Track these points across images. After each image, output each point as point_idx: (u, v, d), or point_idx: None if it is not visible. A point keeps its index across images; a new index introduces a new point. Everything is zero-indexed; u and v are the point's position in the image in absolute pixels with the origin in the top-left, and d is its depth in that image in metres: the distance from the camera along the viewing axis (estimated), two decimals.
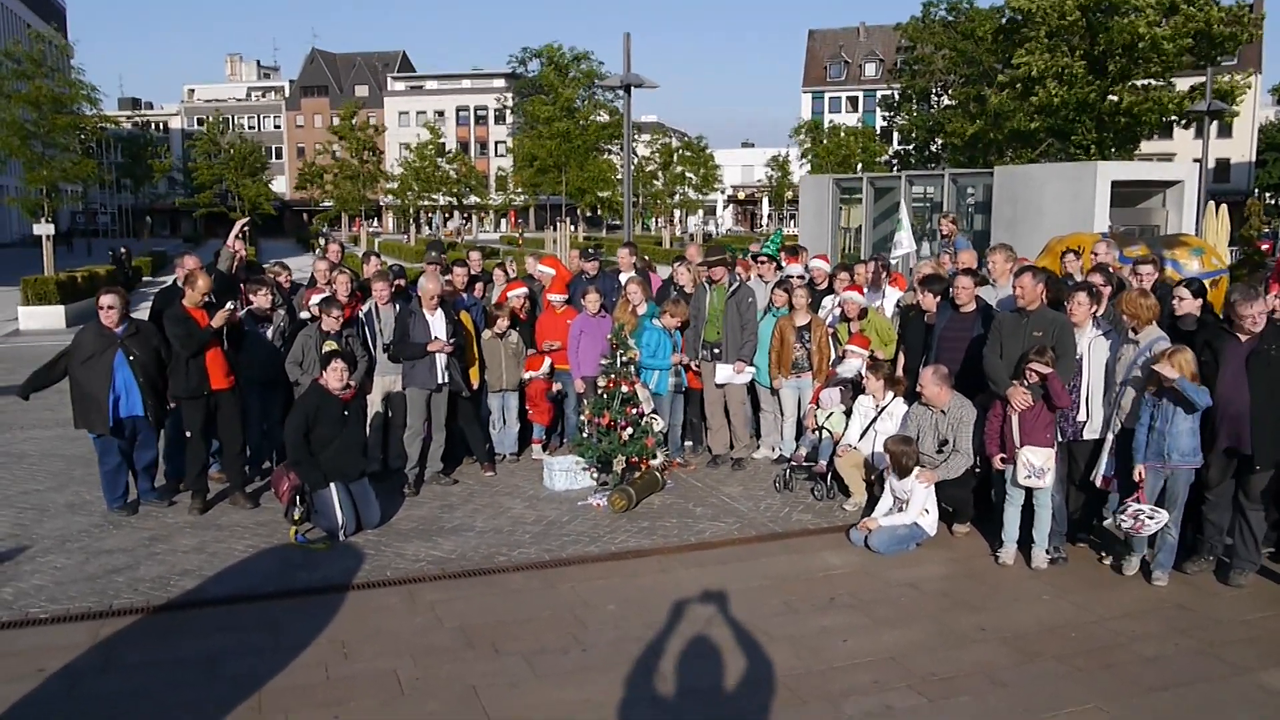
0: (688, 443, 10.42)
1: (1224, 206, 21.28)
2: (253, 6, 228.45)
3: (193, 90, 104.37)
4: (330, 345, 8.30)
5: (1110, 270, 8.64)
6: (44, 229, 28.66)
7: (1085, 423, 7.17)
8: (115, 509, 8.19)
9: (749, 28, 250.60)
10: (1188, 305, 7.26)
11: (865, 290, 9.92)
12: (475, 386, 9.52)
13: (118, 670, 5.51)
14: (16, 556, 7.25)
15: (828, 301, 10.12)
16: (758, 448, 10.21)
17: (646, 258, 12.90)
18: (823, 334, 9.56)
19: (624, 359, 8.84)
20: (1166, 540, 6.71)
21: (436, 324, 8.88)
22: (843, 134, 66.38)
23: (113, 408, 7.95)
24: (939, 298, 8.36)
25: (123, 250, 37.53)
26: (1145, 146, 44.48)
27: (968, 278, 8.07)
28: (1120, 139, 38.79)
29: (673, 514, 8.37)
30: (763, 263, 10.57)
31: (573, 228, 67.20)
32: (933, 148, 49.19)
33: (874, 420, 8.44)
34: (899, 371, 8.78)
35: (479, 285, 10.43)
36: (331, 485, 7.63)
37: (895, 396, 8.46)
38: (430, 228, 78.95)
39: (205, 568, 7.03)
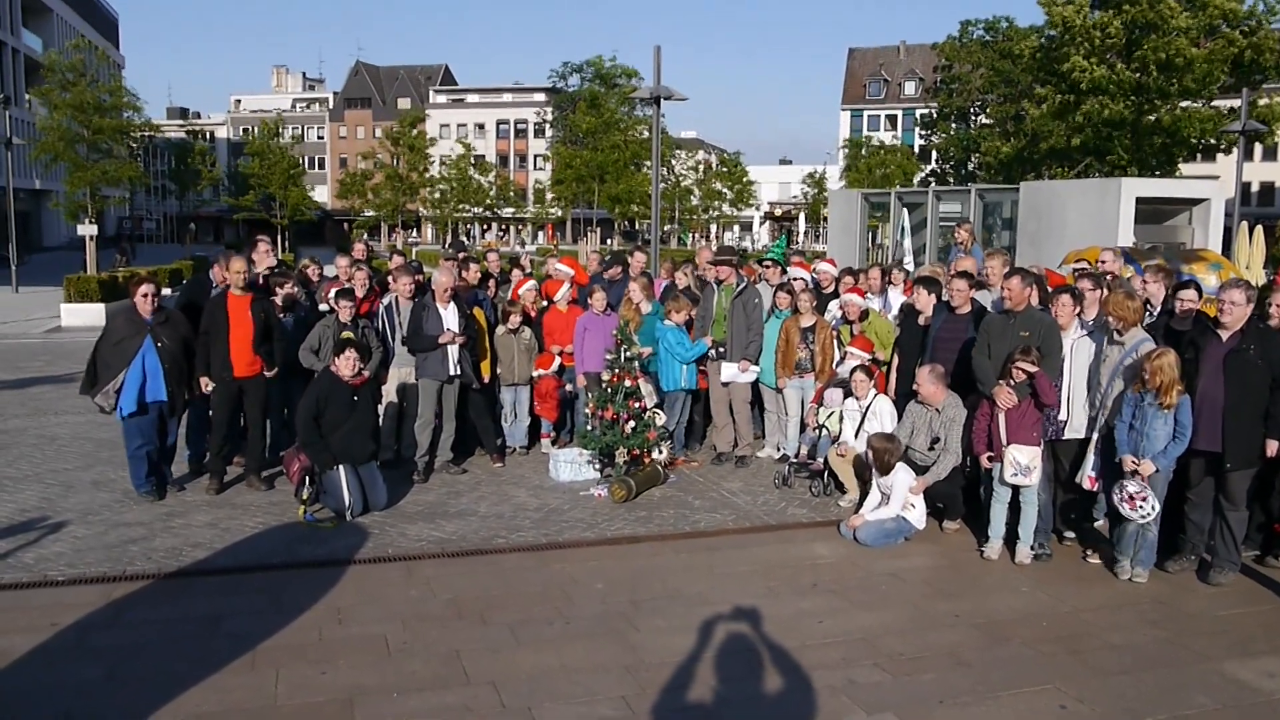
0: (696, 445, 10.65)
1: (1259, 228, 21.21)
2: (299, 20, 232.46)
3: (239, 101, 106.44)
4: (346, 335, 8.63)
5: (1108, 276, 8.80)
6: (87, 229, 29.49)
7: (1067, 422, 7.31)
8: (143, 492, 8.43)
9: (790, 46, 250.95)
10: (1189, 305, 7.51)
11: (869, 294, 10.12)
12: (486, 380, 9.81)
13: (124, 626, 5.85)
14: (40, 525, 7.63)
15: (834, 305, 10.31)
16: (762, 447, 10.41)
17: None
18: (827, 335, 9.75)
19: (629, 354, 9.10)
20: (1147, 538, 6.83)
21: (449, 317, 9.17)
22: (883, 151, 66.52)
23: (138, 391, 8.27)
24: (935, 298, 8.55)
25: (121, 250, 39.00)
26: (1188, 169, 44.10)
27: (962, 280, 8.25)
28: (1158, 160, 38.55)
29: (671, 505, 8.60)
30: (768, 267, 10.78)
31: (607, 240, 67.79)
32: (969, 166, 49.16)
33: (863, 420, 8.63)
34: (893, 372, 9.00)
35: (491, 282, 10.75)
36: (340, 467, 7.93)
37: (876, 394, 8.64)
38: (469, 239, 79.87)
39: (216, 541, 7.37)
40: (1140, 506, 6.64)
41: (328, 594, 6.39)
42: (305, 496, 7.96)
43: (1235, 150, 29.89)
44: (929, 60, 71.76)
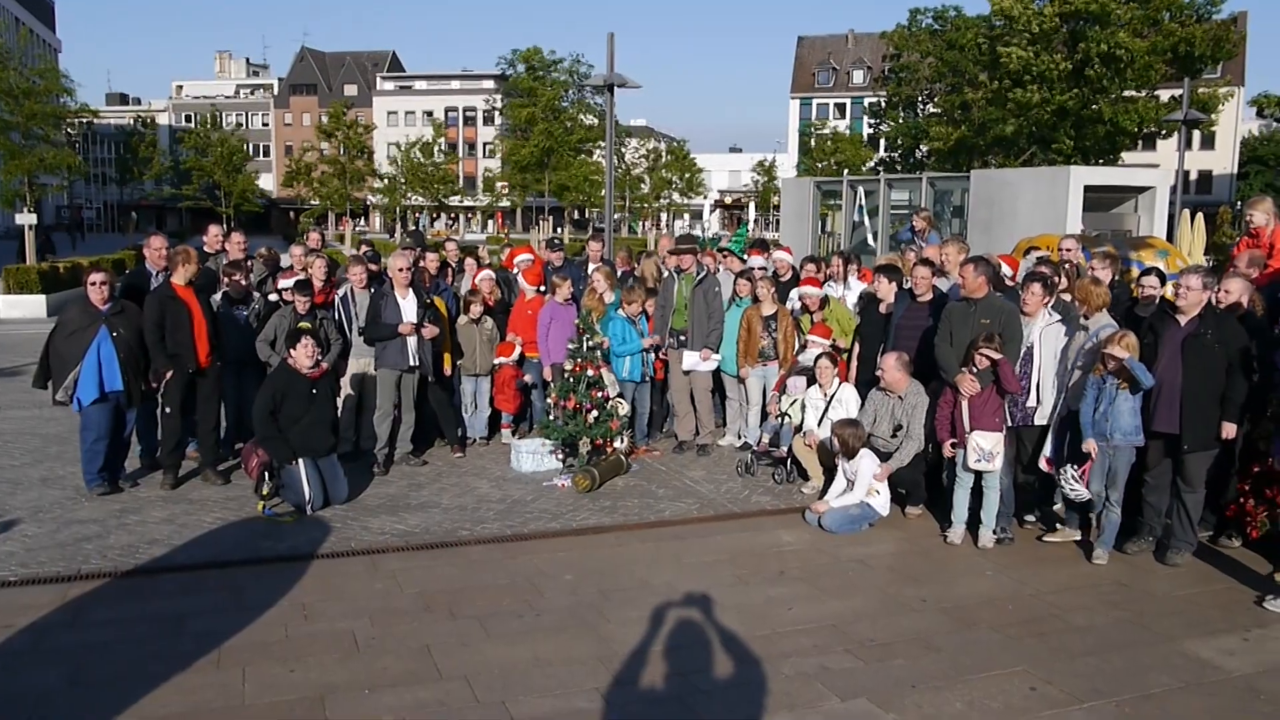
0: (658, 433, 10.63)
1: (1199, 215, 21.65)
2: (243, 4, 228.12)
3: (181, 86, 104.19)
4: (302, 324, 8.46)
5: (1068, 264, 8.92)
6: (26, 219, 28.70)
7: (1036, 409, 7.40)
8: (93, 486, 8.23)
9: (739, 34, 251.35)
10: (1150, 291, 7.65)
11: (828, 283, 10.16)
12: (449, 372, 9.70)
13: (83, 627, 5.69)
14: None
15: (794, 293, 10.34)
16: (723, 435, 10.43)
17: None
18: (788, 324, 9.78)
19: (590, 344, 9.05)
20: (1110, 520, 6.96)
21: (408, 307, 9.05)
22: (835, 139, 67.02)
23: (96, 380, 8.02)
24: (896, 286, 8.61)
25: (44, 241, 38.51)
26: (1129, 157, 44.92)
27: (925, 268, 8.31)
28: (1101, 148, 39.23)
29: (635, 495, 8.58)
30: (727, 256, 10.78)
31: (558, 229, 67.53)
32: (917, 155, 49.65)
33: (826, 409, 8.67)
34: (854, 359, 9.05)
35: (449, 271, 10.63)
36: (300, 461, 7.79)
37: (841, 383, 8.71)
38: (417, 226, 79.10)
39: (174, 537, 7.21)
40: (1076, 489, 6.97)
41: (291, 589, 6.28)
42: (265, 491, 7.82)
43: (1175, 138, 30.52)
44: (877, 49, 72.13)
